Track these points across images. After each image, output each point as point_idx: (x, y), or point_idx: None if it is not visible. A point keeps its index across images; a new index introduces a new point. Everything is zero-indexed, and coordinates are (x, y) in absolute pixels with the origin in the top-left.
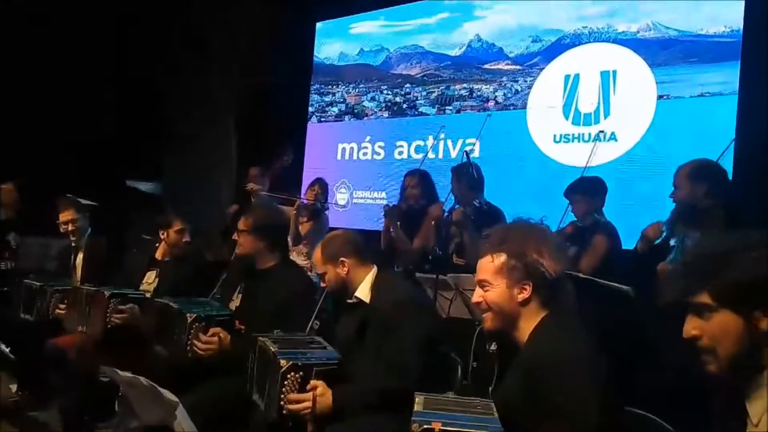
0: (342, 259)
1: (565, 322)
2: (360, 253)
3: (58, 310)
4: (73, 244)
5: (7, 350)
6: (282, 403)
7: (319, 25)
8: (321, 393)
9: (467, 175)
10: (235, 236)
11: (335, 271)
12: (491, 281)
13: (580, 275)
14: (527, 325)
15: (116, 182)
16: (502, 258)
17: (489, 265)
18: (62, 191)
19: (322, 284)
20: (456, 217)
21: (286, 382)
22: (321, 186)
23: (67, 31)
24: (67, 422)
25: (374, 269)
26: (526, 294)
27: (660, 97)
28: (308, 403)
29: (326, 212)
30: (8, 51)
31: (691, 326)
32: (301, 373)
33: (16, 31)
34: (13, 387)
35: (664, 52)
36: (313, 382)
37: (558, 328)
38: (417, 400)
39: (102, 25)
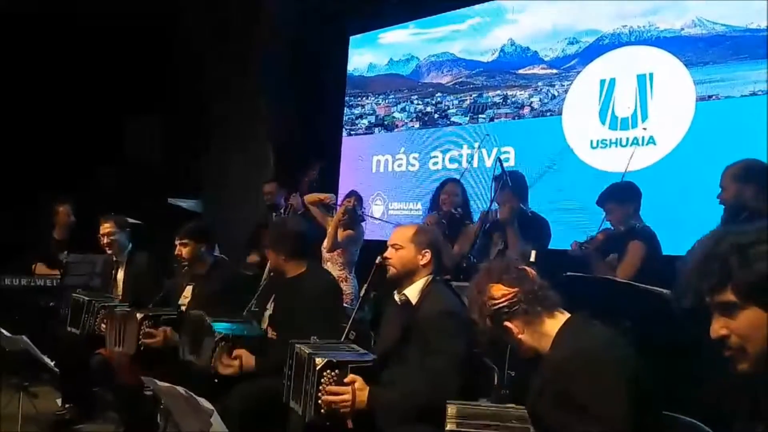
0: (427, 250)
1: (586, 322)
2: (437, 255)
3: (103, 326)
4: (114, 259)
5: (52, 363)
6: (319, 402)
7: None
8: (360, 387)
9: (505, 183)
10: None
11: (415, 254)
12: None
13: (618, 279)
14: (549, 329)
15: (161, 200)
16: None
17: None
18: (108, 210)
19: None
20: (503, 215)
21: (322, 380)
22: (356, 198)
23: (110, 53)
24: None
25: (431, 276)
26: None
27: (709, 97)
28: (347, 396)
29: (363, 223)
30: (58, 75)
31: (719, 326)
32: (336, 370)
33: (66, 57)
34: (59, 401)
35: (712, 49)
36: (351, 376)
37: (578, 329)
38: (449, 411)
39: (140, 47)
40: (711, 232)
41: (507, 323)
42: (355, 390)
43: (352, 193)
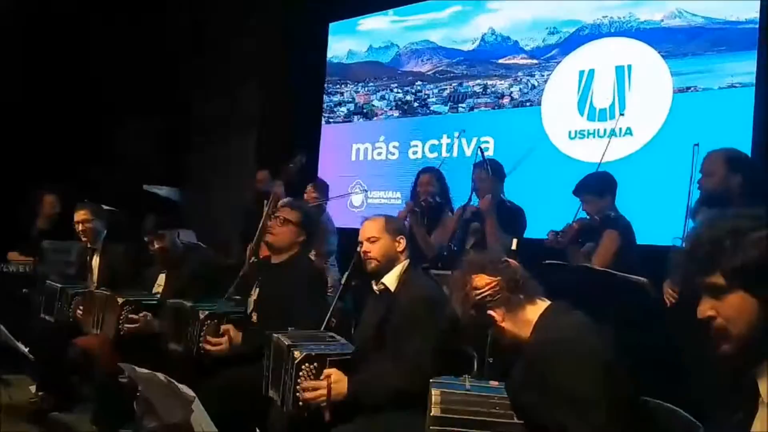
0: (401, 236)
1: (565, 310)
2: (410, 240)
3: (78, 312)
4: (88, 246)
5: (26, 350)
6: (297, 394)
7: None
8: (336, 380)
9: (485, 171)
10: (271, 223)
11: (391, 242)
12: None
13: (597, 268)
14: (530, 317)
15: (137, 187)
16: None
17: None
18: (84, 198)
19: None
20: (484, 206)
21: (300, 373)
22: (315, 186)
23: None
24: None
25: (407, 261)
26: None
27: (687, 88)
28: (323, 391)
29: (326, 212)
30: (48, 68)
31: (707, 306)
32: (315, 363)
33: (54, 52)
34: (33, 388)
35: (691, 41)
36: (326, 370)
37: (557, 316)
38: (434, 394)
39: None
40: (708, 216)
41: (490, 312)
42: (330, 384)
43: (315, 181)
